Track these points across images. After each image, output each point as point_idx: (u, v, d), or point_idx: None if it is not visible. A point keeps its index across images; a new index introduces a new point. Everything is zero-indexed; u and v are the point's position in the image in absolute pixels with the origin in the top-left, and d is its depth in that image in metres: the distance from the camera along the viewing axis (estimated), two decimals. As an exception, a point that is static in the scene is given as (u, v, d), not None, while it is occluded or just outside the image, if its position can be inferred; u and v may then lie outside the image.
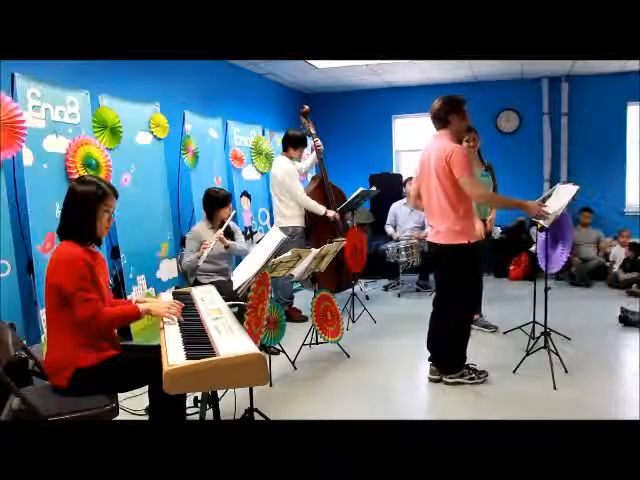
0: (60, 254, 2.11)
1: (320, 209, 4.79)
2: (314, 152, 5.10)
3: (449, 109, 3.14)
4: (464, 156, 3.03)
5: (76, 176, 3.50)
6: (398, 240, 6.08)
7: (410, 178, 6.18)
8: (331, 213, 4.86)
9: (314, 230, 4.97)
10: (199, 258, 3.63)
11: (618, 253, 6.35)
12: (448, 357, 3.31)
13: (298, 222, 4.79)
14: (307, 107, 5.16)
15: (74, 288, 2.02)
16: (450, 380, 3.26)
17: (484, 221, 4.16)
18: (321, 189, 5.10)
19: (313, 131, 5.04)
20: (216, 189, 4.00)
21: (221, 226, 3.80)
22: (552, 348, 3.47)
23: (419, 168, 3.31)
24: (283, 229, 4.02)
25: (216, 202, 3.88)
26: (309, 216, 4.88)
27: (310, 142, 5.28)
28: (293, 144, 4.81)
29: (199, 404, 2.42)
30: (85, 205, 2.15)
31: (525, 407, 2.96)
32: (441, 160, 3.05)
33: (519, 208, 3.33)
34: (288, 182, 4.67)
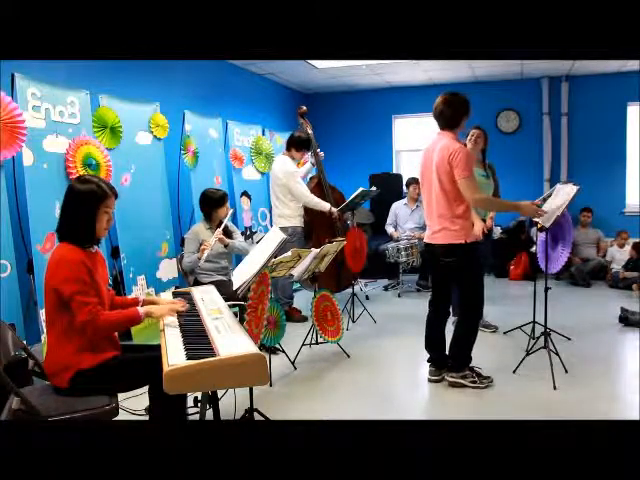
0: (58, 257, 2.09)
1: (324, 205, 4.79)
2: (308, 162, 5.16)
3: (463, 112, 3.12)
4: (468, 157, 3.01)
5: (76, 176, 3.50)
6: (398, 240, 6.08)
7: (412, 179, 6.19)
8: (335, 210, 4.87)
9: (314, 230, 4.98)
10: (199, 259, 3.63)
11: (615, 254, 6.37)
12: (452, 356, 3.29)
13: (298, 222, 4.79)
14: (304, 107, 5.19)
15: (72, 292, 2.01)
16: (451, 379, 3.24)
17: (484, 220, 4.15)
18: (319, 189, 5.11)
19: (310, 131, 5.06)
20: (212, 190, 4.01)
21: (219, 226, 3.81)
22: (552, 348, 3.47)
23: (421, 167, 3.28)
24: (283, 229, 4.02)
25: (213, 202, 3.89)
26: (307, 216, 4.88)
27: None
28: (297, 146, 4.81)
29: (199, 404, 2.42)
30: (84, 206, 2.12)
31: (525, 407, 2.96)
32: (444, 159, 3.03)
33: (515, 210, 3.32)
34: (292, 183, 4.66)
